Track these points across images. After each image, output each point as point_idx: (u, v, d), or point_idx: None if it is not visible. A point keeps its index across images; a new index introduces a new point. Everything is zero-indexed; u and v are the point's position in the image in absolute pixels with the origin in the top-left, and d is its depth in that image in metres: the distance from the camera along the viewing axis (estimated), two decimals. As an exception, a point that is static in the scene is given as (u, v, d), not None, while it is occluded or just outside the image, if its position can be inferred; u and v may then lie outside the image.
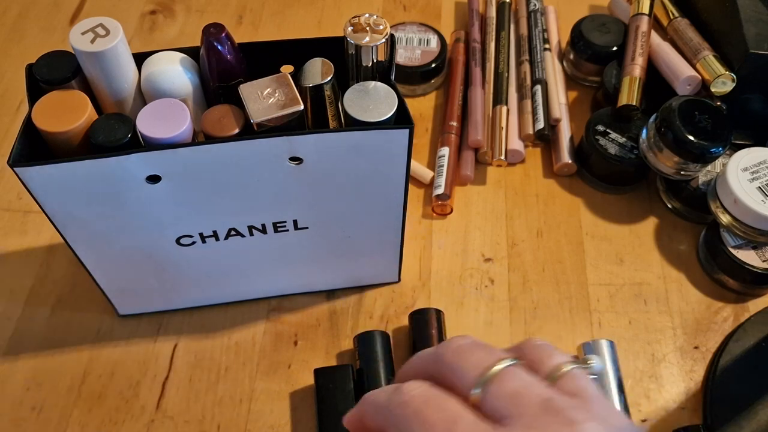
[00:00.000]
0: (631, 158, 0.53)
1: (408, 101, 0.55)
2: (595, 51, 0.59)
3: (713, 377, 0.46)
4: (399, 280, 0.50)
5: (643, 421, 0.45)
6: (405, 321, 0.48)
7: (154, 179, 0.36)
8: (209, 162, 0.35)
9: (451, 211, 0.54)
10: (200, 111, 0.39)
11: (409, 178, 0.40)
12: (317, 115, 0.39)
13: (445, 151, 0.55)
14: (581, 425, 0.21)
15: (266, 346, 0.47)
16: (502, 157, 0.54)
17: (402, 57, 0.60)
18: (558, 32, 0.65)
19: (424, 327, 0.46)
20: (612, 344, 0.45)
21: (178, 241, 0.41)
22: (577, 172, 0.56)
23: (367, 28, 0.37)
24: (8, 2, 0.68)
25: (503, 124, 0.56)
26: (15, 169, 0.33)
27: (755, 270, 0.48)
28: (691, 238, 0.53)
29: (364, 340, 0.45)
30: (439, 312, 0.47)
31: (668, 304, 0.50)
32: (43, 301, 0.49)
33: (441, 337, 0.46)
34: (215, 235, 0.41)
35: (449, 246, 0.52)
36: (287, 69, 0.40)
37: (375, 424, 0.25)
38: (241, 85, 0.36)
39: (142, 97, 0.38)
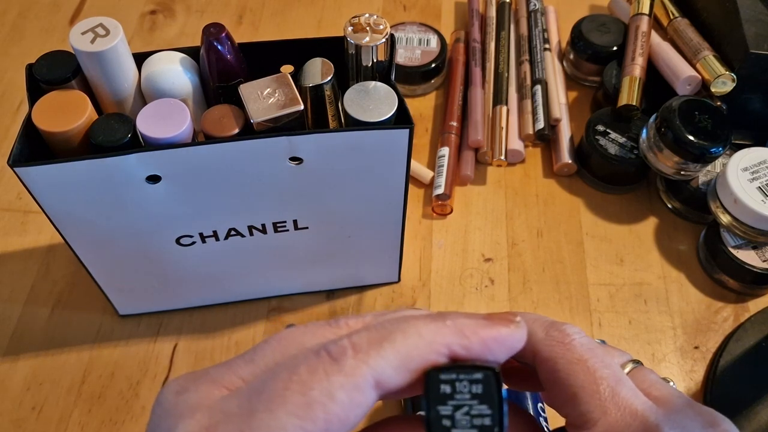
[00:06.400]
0: (631, 158, 0.53)
1: (408, 101, 0.55)
2: (595, 51, 0.59)
3: (713, 377, 0.46)
4: (399, 280, 0.50)
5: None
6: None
7: (154, 179, 0.36)
8: (209, 162, 0.35)
9: (451, 211, 0.54)
10: (200, 111, 0.39)
11: (409, 178, 0.40)
12: (317, 115, 0.39)
13: (445, 151, 0.55)
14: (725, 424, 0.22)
15: (266, 346, 0.47)
16: (502, 157, 0.54)
17: (402, 57, 0.60)
18: (558, 32, 0.65)
19: None
20: (603, 343, 0.45)
21: (178, 241, 0.41)
22: (577, 172, 0.56)
23: (367, 28, 0.37)
24: (8, 2, 0.68)
25: (503, 124, 0.56)
26: (15, 169, 0.33)
27: (755, 270, 0.48)
28: (691, 238, 0.53)
29: None
30: None
31: (668, 304, 0.50)
32: (43, 301, 0.49)
33: None
34: (215, 235, 0.41)
35: (449, 246, 0.52)
36: (287, 69, 0.40)
37: (508, 346, 0.23)
38: (241, 85, 0.36)
39: (142, 97, 0.38)
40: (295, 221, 0.41)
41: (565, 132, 0.57)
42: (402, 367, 0.20)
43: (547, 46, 0.62)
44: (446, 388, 0.20)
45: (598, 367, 0.23)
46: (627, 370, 0.25)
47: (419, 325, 0.20)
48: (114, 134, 0.35)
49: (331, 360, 0.19)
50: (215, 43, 0.36)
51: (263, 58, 0.39)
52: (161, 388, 0.21)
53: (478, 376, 0.20)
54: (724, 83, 0.52)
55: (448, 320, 0.21)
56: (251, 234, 0.42)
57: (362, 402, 0.19)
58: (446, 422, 0.20)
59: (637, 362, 0.26)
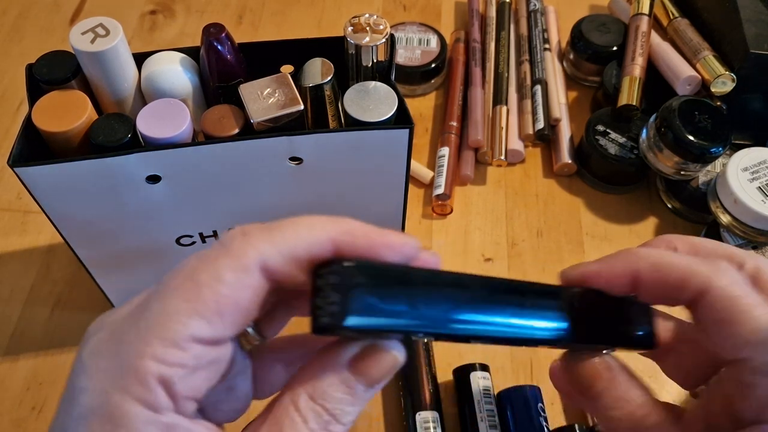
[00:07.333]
0: (631, 158, 0.53)
1: (408, 101, 0.55)
2: (595, 51, 0.59)
3: (713, 377, 0.45)
4: (399, 280, 0.50)
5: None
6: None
7: (154, 179, 0.36)
8: (209, 162, 0.35)
9: (451, 211, 0.54)
10: (200, 111, 0.39)
11: (409, 178, 0.40)
12: (317, 115, 0.39)
13: (445, 151, 0.55)
14: None
15: (266, 346, 0.47)
16: (502, 157, 0.54)
17: (402, 57, 0.60)
18: (558, 32, 0.65)
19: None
20: None
21: (178, 241, 0.41)
22: (577, 172, 0.56)
23: (367, 28, 0.37)
24: (8, 2, 0.68)
25: (503, 124, 0.56)
26: (15, 169, 0.33)
27: (755, 270, 0.48)
28: (691, 238, 0.53)
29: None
30: None
31: (668, 304, 0.50)
32: (43, 301, 0.49)
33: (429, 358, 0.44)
34: (215, 235, 0.41)
35: (449, 246, 0.52)
36: (287, 69, 0.40)
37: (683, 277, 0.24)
38: (241, 85, 0.36)
39: (142, 97, 0.38)
40: (295, 221, 0.41)
41: (565, 132, 0.57)
42: (288, 254, 0.20)
43: (547, 46, 0.62)
44: (323, 281, 0.21)
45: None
46: None
47: (312, 219, 0.22)
48: (114, 134, 0.35)
49: (220, 246, 0.20)
50: (215, 43, 0.36)
51: (263, 58, 0.39)
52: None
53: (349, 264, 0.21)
54: (724, 83, 0.52)
55: (342, 221, 0.22)
56: (251, 234, 0.42)
57: (250, 283, 0.20)
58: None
59: None
